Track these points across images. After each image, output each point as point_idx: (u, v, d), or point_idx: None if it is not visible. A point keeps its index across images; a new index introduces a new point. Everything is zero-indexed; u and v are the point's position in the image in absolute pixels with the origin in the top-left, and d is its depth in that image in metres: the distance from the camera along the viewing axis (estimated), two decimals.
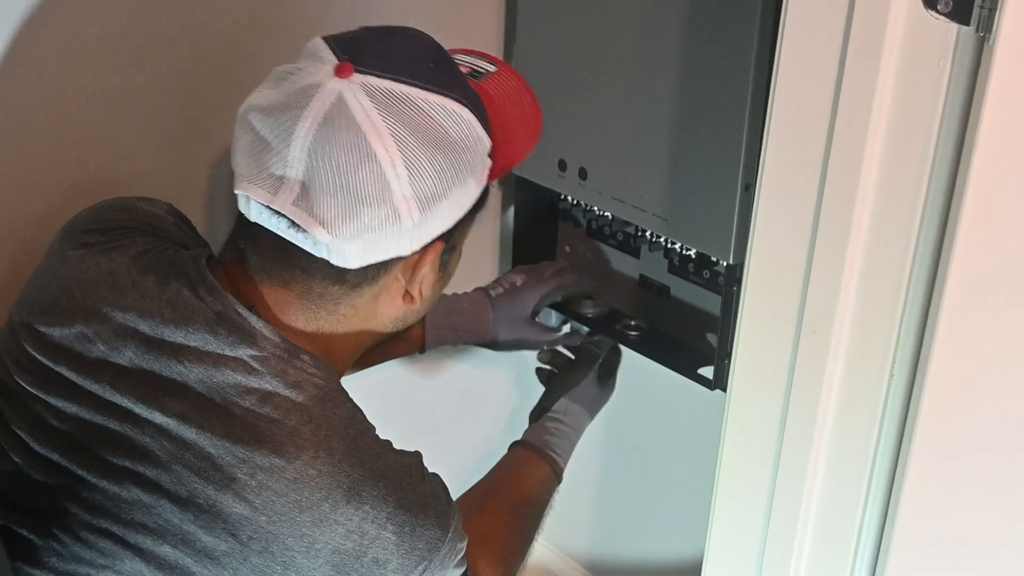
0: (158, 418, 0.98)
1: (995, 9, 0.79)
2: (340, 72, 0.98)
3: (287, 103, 0.99)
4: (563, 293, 1.54)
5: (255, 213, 1.00)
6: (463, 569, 1.06)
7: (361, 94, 0.98)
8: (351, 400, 1.05)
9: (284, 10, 1.34)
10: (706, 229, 1.36)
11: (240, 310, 1.01)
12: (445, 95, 1.01)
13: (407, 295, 1.08)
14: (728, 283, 1.38)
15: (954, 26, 0.82)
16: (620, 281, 1.56)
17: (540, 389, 1.51)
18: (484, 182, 1.07)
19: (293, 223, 0.98)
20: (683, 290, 1.48)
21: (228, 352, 1.00)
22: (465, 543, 1.05)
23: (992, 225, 0.84)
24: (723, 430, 1.09)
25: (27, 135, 1.20)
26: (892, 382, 0.94)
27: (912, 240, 0.89)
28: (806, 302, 0.97)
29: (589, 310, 1.58)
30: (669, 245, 1.46)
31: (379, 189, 0.97)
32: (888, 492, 0.97)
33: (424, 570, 1.00)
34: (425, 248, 1.04)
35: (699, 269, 1.44)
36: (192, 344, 1.00)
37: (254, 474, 0.96)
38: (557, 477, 1.37)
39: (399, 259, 1.04)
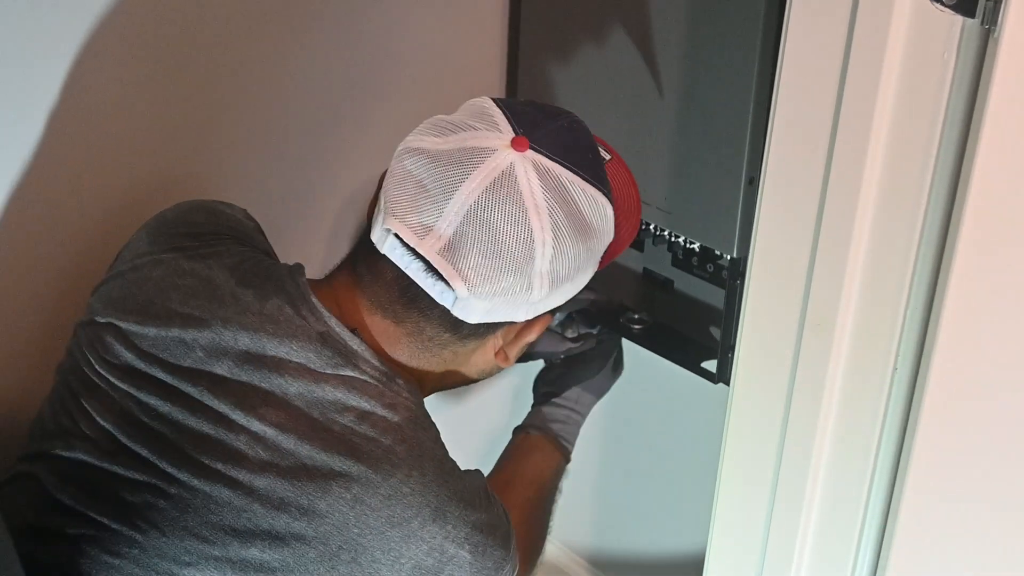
0: (256, 426, 1.00)
1: (1000, 2, 0.78)
2: (517, 145, 1.02)
3: (457, 158, 1.02)
4: (576, 307, 1.53)
5: (389, 247, 1.03)
6: None
7: (531, 171, 1.02)
8: (434, 424, 1.08)
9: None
10: (710, 223, 1.36)
11: (343, 333, 1.04)
12: (599, 189, 1.06)
13: (502, 353, 1.13)
14: (732, 277, 1.38)
15: (959, 19, 0.82)
16: (624, 275, 1.56)
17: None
18: (596, 269, 1.12)
19: (429, 268, 1.01)
20: (687, 284, 1.48)
21: (329, 371, 1.02)
22: (518, 561, 1.08)
23: (996, 219, 0.84)
24: (726, 423, 1.09)
25: (94, 136, 1.22)
26: (895, 375, 0.94)
27: (916, 233, 0.89)
28: (810, 295, 0.97)
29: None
30: (673, 239, 1.46)
31: (524, 261, 1.01)
32: (891, 485, 0.97)
33: None
34: (536, 318, 1.10)
35: (703, 263, 1.44)
36: (294, 360, 1.02)
37: (350, 487, 0.98)
38: (567, 462, 1.39)
39: (511, 323, 1.08)
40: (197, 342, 1.03)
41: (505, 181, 1.01)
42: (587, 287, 1.51)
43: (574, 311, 1.55)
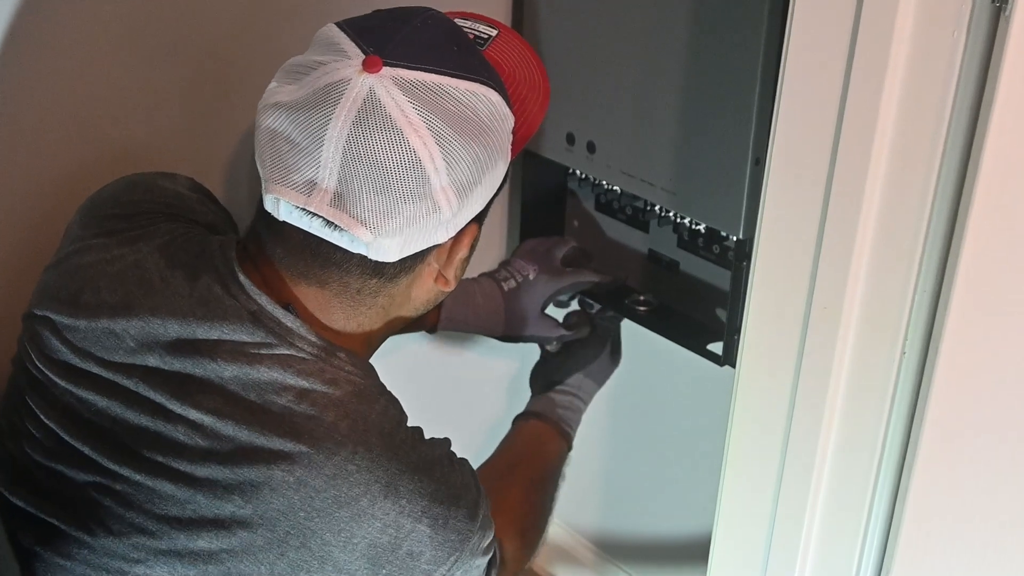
0: (192, 414, 0.97)
1: None
2: (369, 67, 0.96)
3: (314, 101, 0.96)
4: (578, 290, 1.53)
5: (285, 212, 0.98)
6: (491, 554, 1.06)
7: (393, 88, 0.96)
8: (386, 392, 1.05)
9: None
10: (716, 204, 1.35)
11: (275, 310, 1.01)
12: (473, 80, 1.00)
13: (440, 277, 1.08)
14: (738, 258, 1.37)
15: None
16: (629, 256, 1.55)
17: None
18: (509, 159, 1.06)
19: (329, 222, 0.97)
20: (692, 265, 1.47)
21: (264, 352, 0.99)
22: (493, 530, 1.06)
23: (1006, 200, 0.83)
24: (732, 406, 1.08)
25: (35, 110, 1.19)
26: (903, 359, 0.93)
27: (925, 215, 0.88)
28: (817, 278, 0.96)
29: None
30: (678, 220, 1.45)
31: (418, 184, 0.96)
32: (899, 469, 0.96)
33: (456, 560, 1.01)
34: (460, 232, 1.04)
35: (709, 244, 1.43)
36: (227, 343, 0.99)
37: (292, 470, 0.96)
38: (569, 449, 1.38)
39: (435, 247, 1.03)
40: (127, 332, 1.00)
41: (370, 109, 0.95)
42: (592, 268, 1.51)
43: (576, 294, 1.54)
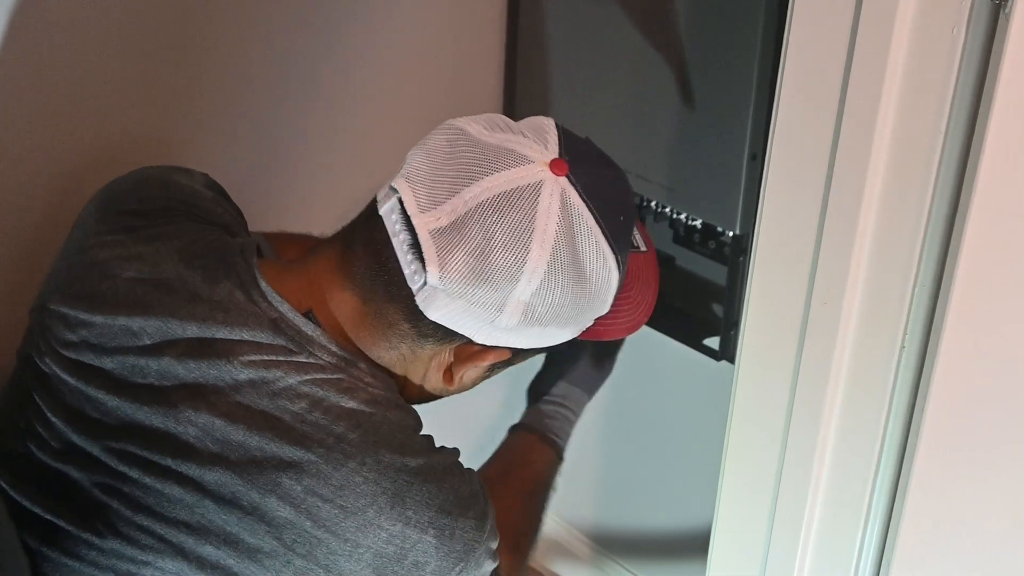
0: (204, 417, 0.97)
1: None
2: (555, 167, 0.99)
3: (490, 152, 0.98)
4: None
5: (388, 208, 0.99)
6: (496, 564, 1.06)
7: (556, 198, 0.98)
8: (403, 404, 1.05)
9: None
10: (712, 199, 1.35)
11: (296, 318, 1.01)
12: (614, 252, 1.02)
13: (448, 372, 1.08)
14: (734, 253, 1.37)
15: None
16: None
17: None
18: (575, 336, 1.07)
19: (414, 246, 0.97)
20: (688, 260, 1.47)
21: (281, 357, 0.99)
22: (498, 540, 1.06)
23: (1006, 196, 0.83)
24: (732, 402, 1.08)
25: (32, 107, 1.18)
26: (903, 354, 0.93)
27: (924, 210, 0.88)
28: (816, 273, 0.96)
29: None
30: (674, 215, 1.45)
31: (507, 279, 0.97)
32: (899, 464, 0.97)
33: (461, 570, 1.00)
34: (492, 347, 1.05)
35: (705, 239, 1.43)
36: (244, 347, 0.99)
37: (300, 479, 0.96)
38: (559, 459, 1.38)
39: (466, 340, 1.03)
40: (144, 331, 1.00)
41: (527, 194, 0.97)
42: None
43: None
